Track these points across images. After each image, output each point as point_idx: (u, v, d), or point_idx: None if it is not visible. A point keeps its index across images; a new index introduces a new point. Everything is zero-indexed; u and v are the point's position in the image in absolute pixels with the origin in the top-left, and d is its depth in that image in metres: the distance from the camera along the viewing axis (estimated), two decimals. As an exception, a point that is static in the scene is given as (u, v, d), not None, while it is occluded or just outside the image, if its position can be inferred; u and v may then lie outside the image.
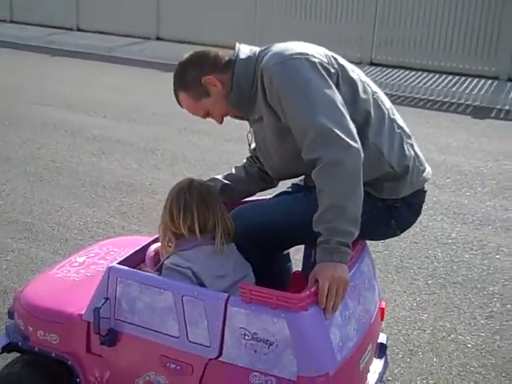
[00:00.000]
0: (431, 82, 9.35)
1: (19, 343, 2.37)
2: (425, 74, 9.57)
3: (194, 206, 2.18)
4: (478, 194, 5.18)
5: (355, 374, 2.19)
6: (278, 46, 2.27)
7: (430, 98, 8.78)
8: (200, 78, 2.31)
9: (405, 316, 3.41)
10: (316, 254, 2.09)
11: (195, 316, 2.03)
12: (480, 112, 8.03)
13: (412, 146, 2.35)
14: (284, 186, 2.58)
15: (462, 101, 8.57)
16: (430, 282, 3.80)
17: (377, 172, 2.21)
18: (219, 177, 2.63)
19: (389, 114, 2.31)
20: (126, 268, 2.16)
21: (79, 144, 6.22)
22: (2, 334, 2.50)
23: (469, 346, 3.19)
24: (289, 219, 2.33)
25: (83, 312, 2.22)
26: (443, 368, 3.02)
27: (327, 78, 2.15)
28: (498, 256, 4.16)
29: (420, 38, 10.01)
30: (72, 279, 2.49)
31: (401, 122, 2.36)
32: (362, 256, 2.36)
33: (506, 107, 8.26)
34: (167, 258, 2.18)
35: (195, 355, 2.05)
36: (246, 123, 2.45)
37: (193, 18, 11.95)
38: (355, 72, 2.30)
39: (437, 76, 9.64)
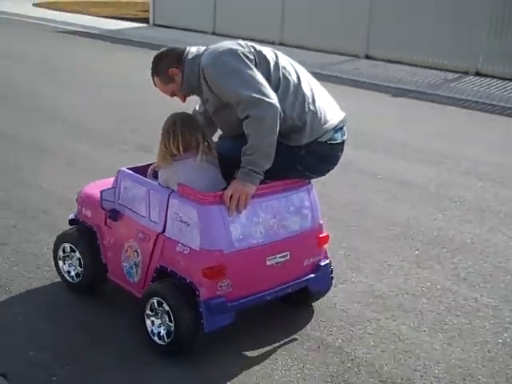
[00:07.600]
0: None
1: (78, 219, 3.66)
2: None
3: (178, 131, 3.15)
4: None
5: (258, 263, 3.11)
6: (213, 47, 3.18)
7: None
8: (167, 69, 3.22)
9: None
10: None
11: (154, 203, 3.14)
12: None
13: (314, 105, 3.14)
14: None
15: None
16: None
17: (283, 125, 3.03)
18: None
19: (294, 83, 3.14)
20: (128, 171, 3.33)
21: (365, 184, 5.76)
22: (72, 213, 3.78)
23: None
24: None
25: (104, 199, 3.44)
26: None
27: (247, 61, 3.07)
28: None
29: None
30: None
31: (307, 90, 3.16)
32: (294, 190, 3.24)
33: None
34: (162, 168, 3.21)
35: (151, 229, 3.15)
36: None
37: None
38: (269, 54, 3.18)
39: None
